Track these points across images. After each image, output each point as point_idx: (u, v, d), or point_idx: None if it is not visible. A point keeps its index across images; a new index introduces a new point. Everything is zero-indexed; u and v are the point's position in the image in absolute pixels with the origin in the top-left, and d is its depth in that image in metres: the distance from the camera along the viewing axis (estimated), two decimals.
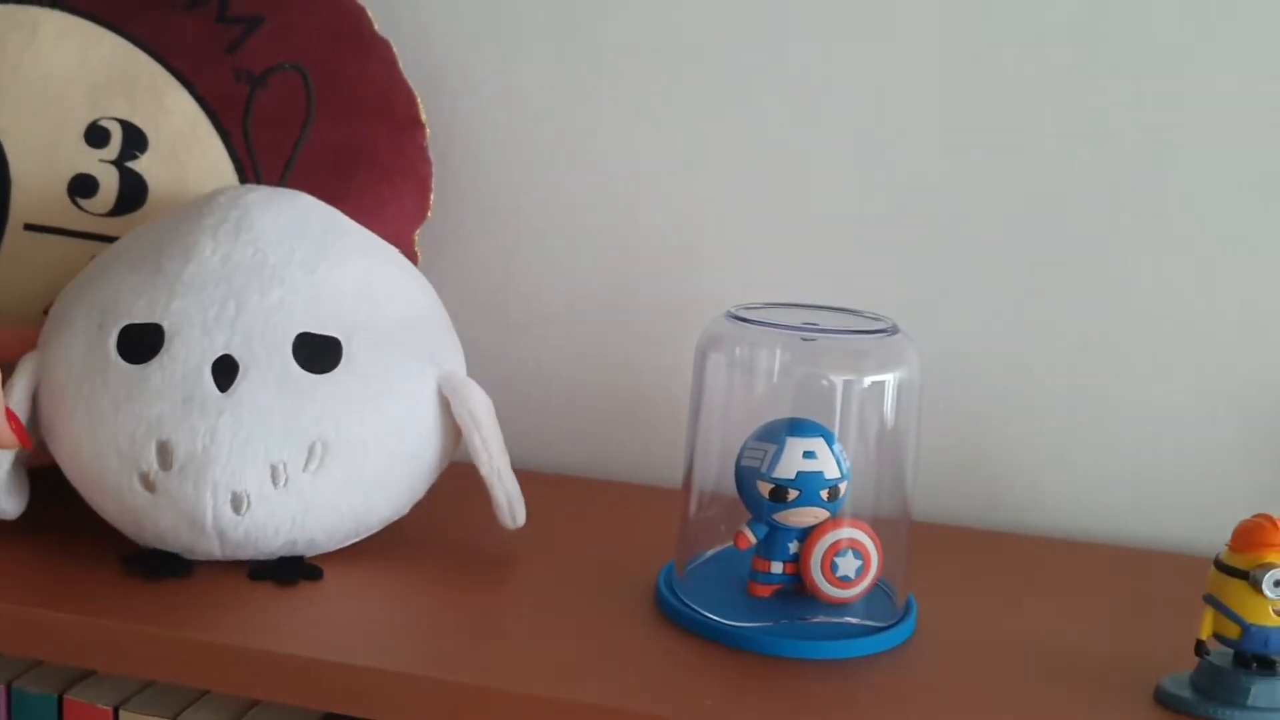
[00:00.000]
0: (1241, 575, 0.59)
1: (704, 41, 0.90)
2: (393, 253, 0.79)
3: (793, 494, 0.66)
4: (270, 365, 0.70)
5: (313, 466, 0.70)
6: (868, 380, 0.68)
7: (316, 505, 0.71)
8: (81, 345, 0.72)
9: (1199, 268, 0.84)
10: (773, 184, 0.90)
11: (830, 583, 0.66)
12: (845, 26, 0.87)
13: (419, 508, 0.77)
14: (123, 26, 0.85)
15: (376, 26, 0.89)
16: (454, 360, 0.77)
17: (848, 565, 0.66)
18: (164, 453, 0.69)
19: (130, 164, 0.83)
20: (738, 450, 0.68)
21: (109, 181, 0.82)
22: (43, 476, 0.75)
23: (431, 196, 0.90)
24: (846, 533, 0.67)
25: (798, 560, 0.67)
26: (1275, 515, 0.60)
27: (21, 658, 0.73)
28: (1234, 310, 0.83)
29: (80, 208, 0.82)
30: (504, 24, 0.93)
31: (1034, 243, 0.86)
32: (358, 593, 0.71)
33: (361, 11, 0.89)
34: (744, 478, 0.67)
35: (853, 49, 0.87)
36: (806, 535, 0.67)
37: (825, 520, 0.67)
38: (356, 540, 0.75)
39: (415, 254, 0.89)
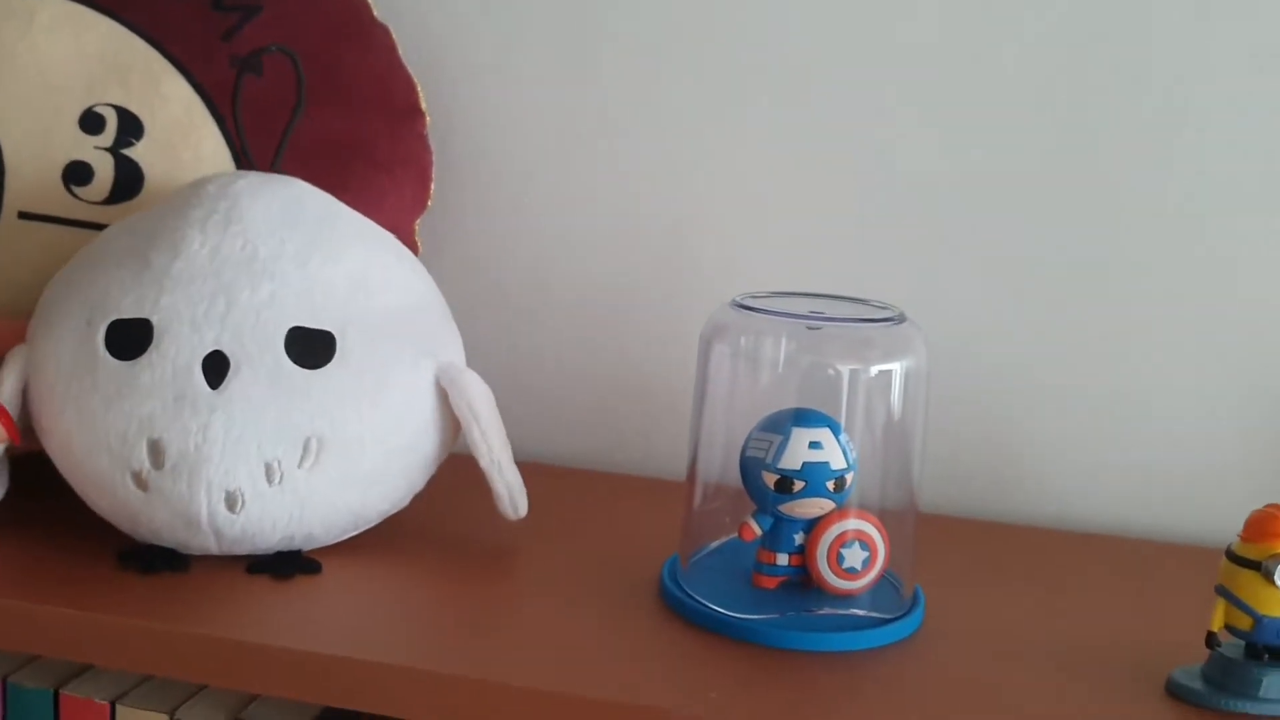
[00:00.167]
0: (1253, 566, 0.59)
1: (707, 27, 0.89)
2: (390, 240, 0.78)
3: (798, 485, 0.65)
4: (262, 361, 0.69)
5: (308, 463, 0.69)
6: (874, 369, 0.67)
7: (313, 501, 0.70)
8: (70, 341, 0.71)
9: (1205, 259, 0.83)
10: (776, 172, 0.89)
11: (836, 574, 0.66)
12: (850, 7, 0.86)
13: (419, 500, 0.76)
14: (119, 12, 0.84)
15: (375, 12, 0.88)
16: (453, 351, 0.76)
17: (854, 557, 0.66)
18: (155, 451, 0.68)
19: (126, 151, 0.82)
20: (742, 441, 0.67)
21: (104, 169, 0.82)
22: (37, 470, 0.74)
23: (432, 186, 0.90)
24: (853, 524, 0.66)
25: (803, 552, 0.67)
26: None
27: (18, 652, 0.73)
28: (1243, 293, 0.83)
29: (75, 195, 0.81)
30: (505, 10, 0.93)
31: (1042, 231, 0.85)
32: (356, 586, 0.70)
33: None
34: (749, 468, 0.67)
35: (856, 38, 0.86)
36: (812, 527, 0.66)
37: (831, 511, 0.66)
38: (355, 534, 0.74)
39: (415, 244, 0.89)
